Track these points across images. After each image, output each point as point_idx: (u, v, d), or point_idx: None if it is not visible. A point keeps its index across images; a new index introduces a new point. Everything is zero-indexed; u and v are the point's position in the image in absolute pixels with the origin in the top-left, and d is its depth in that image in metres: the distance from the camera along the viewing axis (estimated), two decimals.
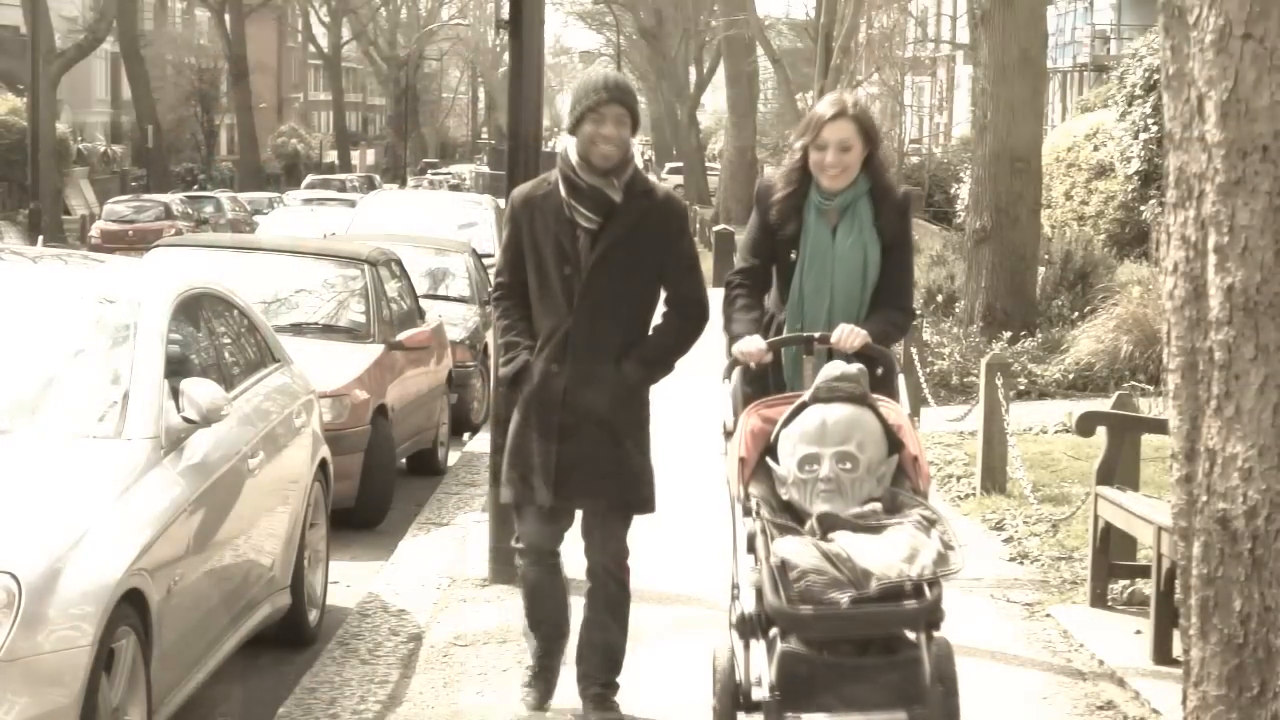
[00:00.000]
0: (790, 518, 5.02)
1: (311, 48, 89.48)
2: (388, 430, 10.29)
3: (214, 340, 6.97)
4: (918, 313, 13.53)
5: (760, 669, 4.85)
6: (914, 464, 5.17)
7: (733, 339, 5.68)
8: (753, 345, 5.57)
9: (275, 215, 36.91)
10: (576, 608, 5.94)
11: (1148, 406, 11.14)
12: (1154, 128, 19.98)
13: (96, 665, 4.69)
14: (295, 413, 7.35)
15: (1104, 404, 8.40)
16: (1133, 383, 13.61)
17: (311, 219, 31.49)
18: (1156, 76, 18.83)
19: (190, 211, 41.06)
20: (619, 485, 5.68)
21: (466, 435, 13.58)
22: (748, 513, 5.06)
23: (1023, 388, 14.13)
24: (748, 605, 4.90)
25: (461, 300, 15.10)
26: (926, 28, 47.69)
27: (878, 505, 5.01)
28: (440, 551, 8.62)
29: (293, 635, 7.22)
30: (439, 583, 7.92)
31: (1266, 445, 4.02)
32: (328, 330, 10.84)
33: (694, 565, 7.84)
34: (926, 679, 4.69)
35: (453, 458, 12.32)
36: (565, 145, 5.72)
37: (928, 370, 13.57)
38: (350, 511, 9.67)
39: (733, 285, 5.84)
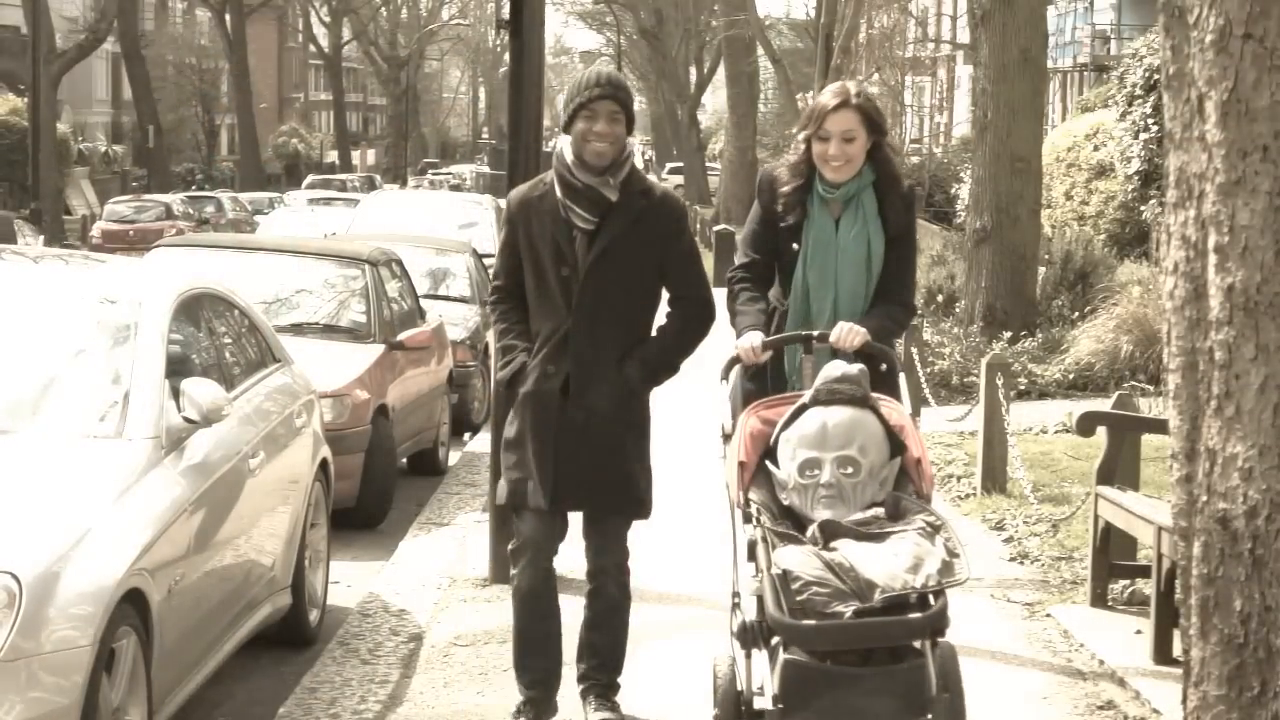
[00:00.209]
0: (791, 524, 4.94)
1: (312, 48, 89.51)
2: (388, 430, 10.29)
3: (215, 340, 6.97)
4: (919, 310, 13.51)
5: (762, 678, 4.78)
6: (917, 466, 5.09)
7: (739, 332, 5.59)
8: (749, 344, 5.48)
9: (276, 215, 36.95)
10: (576, 608, 5.91)
11: (1148, 406, 11.14)
12: (1154, 128, 19.99)
13: (97, 665, 4.69)
14: (296, 413, 7.35)
15: (1104, 404, 8.39)
16: (1133, 383, 13.60)
17: (312, 219, 31.52)
18: (1156, 76, 18.82)
19: (191, 211, 41.12)
20: (615, 489, 5.61)
21: (467, 435, 13.58)
22: (748, 519, 4.97)
23: (1023, 388, 14.11)
24: (749, 614, 4.83)
25: (462, 300, 15.11)
26: (926, 28, 47.62)
27: (880, 511, 4.93)
28: (441, 551, 8.61)
29: (293, 635, 7.22)
30: (439, 583, 7.91)
31: (1267, 445, 4.02)
32: (328, 330, 10.84)
33: (694, 566, 7.84)
34: (932, 688, 4.61)
35: (453, 458, 12.32)
36: (561, 145, 5.65)
37: (928, 370, 13.56)
38: (351, 511, 9.67)
39: (735, 280, 5.77)
